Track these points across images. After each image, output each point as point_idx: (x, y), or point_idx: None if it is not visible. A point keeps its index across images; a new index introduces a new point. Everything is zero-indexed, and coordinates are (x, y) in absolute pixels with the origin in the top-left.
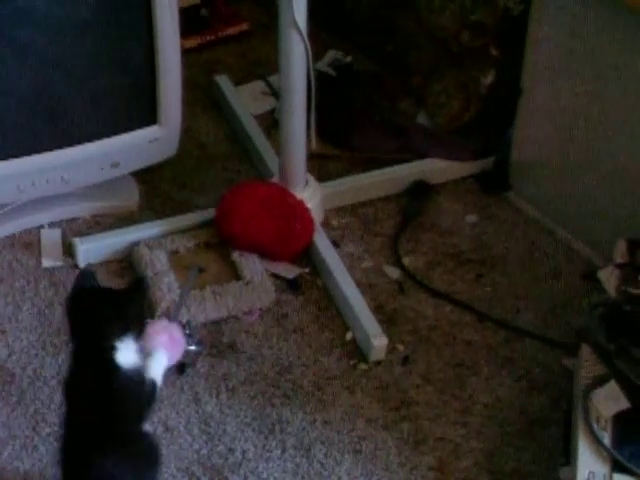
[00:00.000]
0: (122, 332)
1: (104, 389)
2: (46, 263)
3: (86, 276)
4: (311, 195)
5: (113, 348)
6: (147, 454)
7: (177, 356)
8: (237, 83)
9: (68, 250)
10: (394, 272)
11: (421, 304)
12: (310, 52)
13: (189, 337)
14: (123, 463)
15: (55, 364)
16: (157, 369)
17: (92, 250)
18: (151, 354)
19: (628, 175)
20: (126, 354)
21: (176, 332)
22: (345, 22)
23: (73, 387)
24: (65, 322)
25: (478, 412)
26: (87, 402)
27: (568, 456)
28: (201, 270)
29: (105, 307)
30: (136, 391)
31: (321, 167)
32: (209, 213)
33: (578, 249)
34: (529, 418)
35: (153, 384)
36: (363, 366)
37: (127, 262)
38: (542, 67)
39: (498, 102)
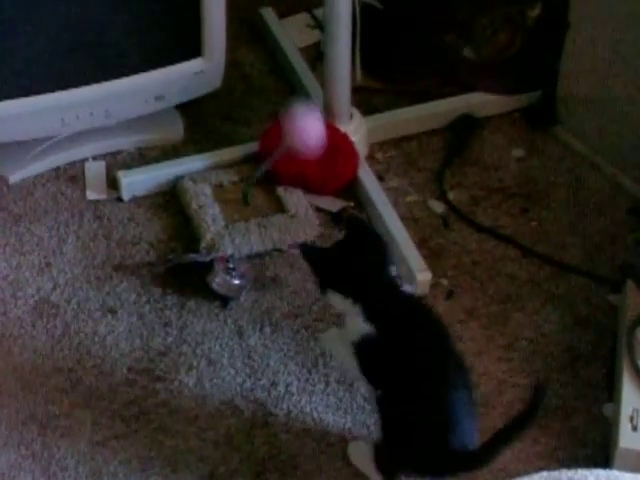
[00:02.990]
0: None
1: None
2: (90, 196)
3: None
4: (356, 129)
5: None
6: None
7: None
8: (282, 15)
9: (112, 183)
10: (438, 206)
11: (465, 239)
12: None
13: (233, 270)
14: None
15: (99, 297)
16: None
17: (136, 183)
18: None
19: None
20: None
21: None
22: None
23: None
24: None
25: (522, 348)
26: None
27: (612, 393)
28: (246, 202)
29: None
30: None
31: (366, 101)
32: (254, 146)
33: (624, 184)
34: (573, 354)
35: None
36: None
37: (171, 195)
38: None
39: (545, 35)
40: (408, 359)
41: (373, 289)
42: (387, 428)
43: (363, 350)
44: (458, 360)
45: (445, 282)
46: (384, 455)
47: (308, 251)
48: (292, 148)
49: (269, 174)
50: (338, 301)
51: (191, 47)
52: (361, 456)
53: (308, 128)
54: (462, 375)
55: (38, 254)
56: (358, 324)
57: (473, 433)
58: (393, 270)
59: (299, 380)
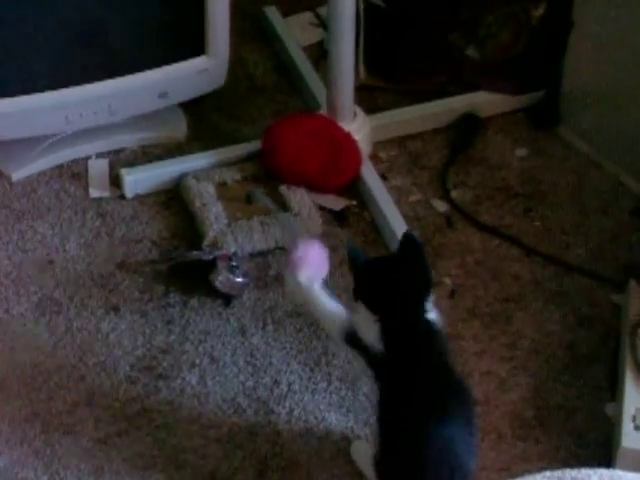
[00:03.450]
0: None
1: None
2: (93, 194)
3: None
4: (359, 127)
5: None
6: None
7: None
8: (285, 14)
9: (115, 181)
10: (442, 205)
11: (468, 238)
12: None
13: (235, 268)
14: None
15: (102, 294)
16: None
17: (139, 181)
18: None
19: None
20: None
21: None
22: None
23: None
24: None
25: (525, 347)
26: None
27: (614, 392)
28: (249, 201)
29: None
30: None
31: (369, 99)
32: (257, 145)
33: (627, 184)
34: (576, 354)
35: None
36: None
37: (174, 193)
38: None
39: (549, 34)
40: (405, 396)
41: (402, 318)
42: (381, 445)
43: (365, 353)
44: (462, 401)
45: (448, 281)
46: (380, 469)
47: (354, 255)
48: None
49: (272, 172)
50: (363, 313)
51: (195, 45)
52: (363, 457)
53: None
54: (460, 416)
55: (41, 251)
56: (369, 336)
57: (466, 469)
58: (430, 304)
59: (301, 378)
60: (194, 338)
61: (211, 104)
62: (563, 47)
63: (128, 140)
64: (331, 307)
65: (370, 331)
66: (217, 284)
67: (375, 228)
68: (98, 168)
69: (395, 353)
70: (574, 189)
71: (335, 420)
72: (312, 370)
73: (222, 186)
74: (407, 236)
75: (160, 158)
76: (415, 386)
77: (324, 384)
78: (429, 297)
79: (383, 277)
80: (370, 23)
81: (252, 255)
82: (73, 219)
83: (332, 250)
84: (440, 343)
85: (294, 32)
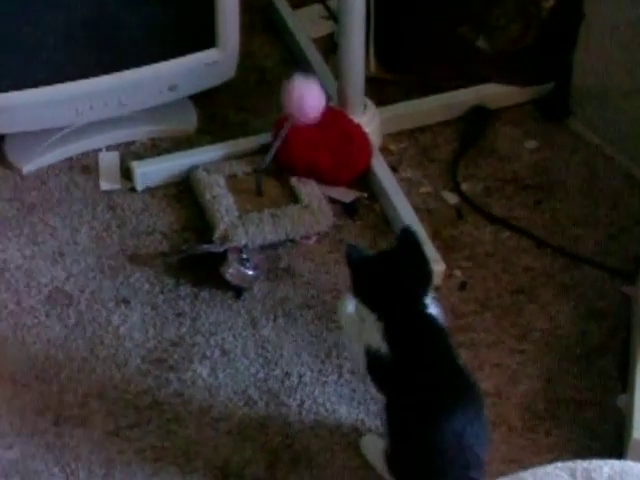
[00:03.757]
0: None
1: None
2: (104, 186)
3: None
4: (369, 120)
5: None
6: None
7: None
8: (295, 6)
9: (126, 173)
10: (452, 198)
11: (479, 230)
12: None
13: (246, 261)
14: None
15: (112, 287)
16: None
17: (149, 173)
18: None
19: None
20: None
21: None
22: None
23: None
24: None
25: (536, 339)
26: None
27: (625, 384)
28: (259, 193)
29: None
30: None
31: (380, 92)
32: (267, 137)
33: (637, 175)
34: (587, 345)
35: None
36: None
37: (184, 186)
38: None
39: (559, 26)
40: (414, 393)
41: (403, 315)
42: (392, 441)
43: (374, 363)
44: (470, 393)
45: (459, 273)
46: (393, 464)
47: (352, 253)
48: (292, 117)
49: (283, 165)
50: (362, 312)
51: (205, 38)
52: (374, 451)
53: (306, 95)
54: (471, 409)
55: (52, 244)
56: (374, 339)
57: (478, 462)
58: (429, 299)
59: (312, 371)
60: (205, 330)
61: (221, 97)
62: (573, 39)
63: (138, 133)
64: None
65: (374, 332)
66: (228, 276)
67: (385, 220)
68: (108, 161)
69: (400, 350)
70: (584, 181)
71: (346, 412)
72: (323, 362)
73: (232, 178)
74: (406, 231)
75: (170, 151)
76: (423, 381)
77: (335, 376)
78: (428, 292)
79: (380, 273)
80: (380, 15)
81: (263, 247)
82: (84, 212)
83: (342, 242)
84: (444, 337)
85: (304, 25)
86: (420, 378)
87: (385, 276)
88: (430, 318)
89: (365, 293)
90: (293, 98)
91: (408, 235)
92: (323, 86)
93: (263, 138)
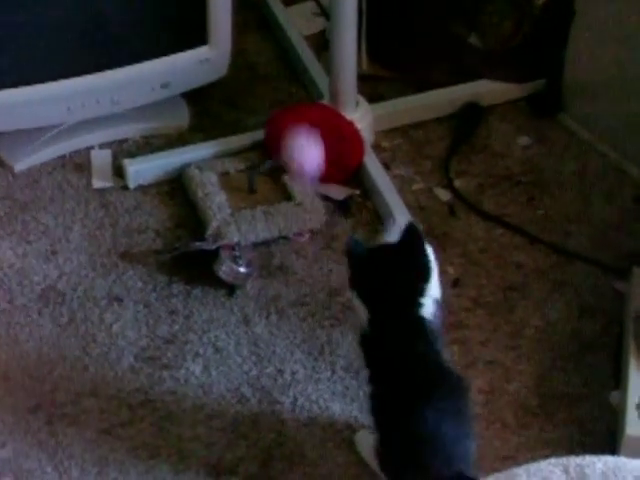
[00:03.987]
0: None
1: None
2: (96, 184)
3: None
4: (361, 116)
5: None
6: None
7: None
8: (287, 3)
9: (118, 171)
10: (445, 194)
11: (472, 227)
12: None
13: (239, 258)
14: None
15: (105, 285)
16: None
17: (142, 171)
18: None
19: None
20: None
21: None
22: None
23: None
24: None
25: (528, 335)
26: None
27: (618, 380)
28: (252, 190)
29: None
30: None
31: (372, 88)
32: (259, 134)
33: (630, 172)
34: (580, 342)
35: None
36: None
37: (177, 183)
38: None
39: (551, 23)
40: (392, 386)
41: (390, 311)
42: (377, 433)
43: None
44: (450, 389)
45: (451, 270)
46: (383, 459)
47: (353, 245)
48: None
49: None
50: (357, 304)
51: (197, 35)
52: (367, 447)
53: (306, 163)
54: (449, 399)
55: (44, 242)
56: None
57: (464, 456)
58: (429, 299)
59: (305, 368)
60: (198, 328)
61: (213, 94)
62: (565, 35)
63: (131, 130)
64: None
65: (362, 317)
66: (220, 274)
67: (378, 217)
68: (101, 159)
69: (382, 344)
70: (577, 177)
71: (339, 409)
72: (316, 359)
73: (225, 176)
74: (410, 227)
75: (163, 148)
76: (401, 376)
77: (328, 373)
78: (426, 290)
79: (379, 269)
80: (372, 12)
81: (255, 245)
82: (76, 210)
83: (335, 239)
84: (427, 332)
85: (296, 21)
86: (398, 371)
87: (381, 272)
88: (416, 314)
89: (361, 287)
90: (294, 160)
91: (412, 232)
92: (318, 145)
93: (256, 135)
